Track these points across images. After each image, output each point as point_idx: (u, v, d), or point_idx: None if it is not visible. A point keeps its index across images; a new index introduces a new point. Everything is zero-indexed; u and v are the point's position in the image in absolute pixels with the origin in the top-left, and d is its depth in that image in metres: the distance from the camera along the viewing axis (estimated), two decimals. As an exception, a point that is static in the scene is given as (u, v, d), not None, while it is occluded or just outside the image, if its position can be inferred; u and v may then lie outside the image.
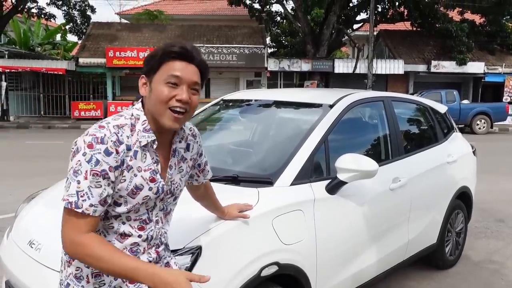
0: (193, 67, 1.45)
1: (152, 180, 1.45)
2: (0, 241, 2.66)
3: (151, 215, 1.51)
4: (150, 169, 1.45)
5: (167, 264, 1.63)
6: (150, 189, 1.45)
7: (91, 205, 1.33)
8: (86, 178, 1.33)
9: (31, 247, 2.20)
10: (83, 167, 1.33)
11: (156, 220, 1.53)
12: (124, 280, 1.46)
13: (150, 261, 1.52)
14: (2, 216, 5.10)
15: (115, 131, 1.39)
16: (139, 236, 1.48)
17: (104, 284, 1.47)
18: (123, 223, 1.46)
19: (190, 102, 1.44)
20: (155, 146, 1.46)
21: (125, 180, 1.40)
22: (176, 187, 1.57)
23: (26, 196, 3.06)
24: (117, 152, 1.37)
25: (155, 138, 1.45)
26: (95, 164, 1.33)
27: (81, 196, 1.33)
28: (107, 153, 1.35)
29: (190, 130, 1.64)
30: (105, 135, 1.36)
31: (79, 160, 1.34)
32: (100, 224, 1.44)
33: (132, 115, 1.46)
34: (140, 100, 1.50)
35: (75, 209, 1.33)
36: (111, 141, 1.36)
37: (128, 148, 1.40)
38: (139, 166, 1.42)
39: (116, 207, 1.43)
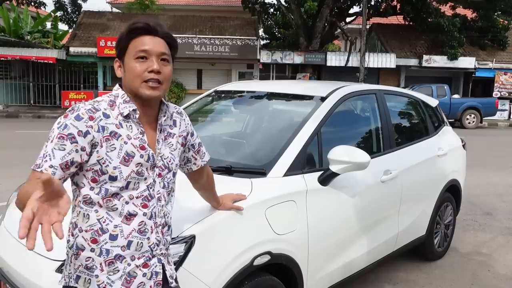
0: (158, 39, 1.51)
1: (142, 147, 1.49)
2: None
3: (152, 192, 1.53)
4: (139, 137, 1.49)
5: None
6: (142, 156, 1.48)
7: (51, 166, 1.37)
8: (52, 141, 1.39)
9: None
10: (54, 133, 1.41)
11: (158, 197, 1.55)
12: (138, 265, 1.49)
13: (158, 241, 1.55)
14: (-8, 205, 5.08)
15: (90, 103, 1.47)
16: (144, 214, 1.50)
17: (118, 270, 1.47)
18: (127, 202, 1.47)
19: (162, 72, 1.49)
20: (137, 116, 1.49)
21: (115, 148, 1.44)
22: (169, 161, 1.59)
23: (17, 185, 3.04)
24: (92, 119, 1.42)
25: (136, 107, 1.49)
26: (63, 128, 1.40)
27: (44, 157, 1.38)
28: (78, 118, 1.41)
29: (175, 108, 1.69)
30: (79, 106, 1.45)
31: (53, 128, 1.42)
32: (104, 208, 1.45)
33: (110, 95, 1.53)
34: (117, 84, 1.57)
35: (37, 169, 1.37)
36: (84, 109, 1.43)
37: (106, 116, 1.45)
38: (128, 134, 1.47)
39: (113, 182, 1.45)
